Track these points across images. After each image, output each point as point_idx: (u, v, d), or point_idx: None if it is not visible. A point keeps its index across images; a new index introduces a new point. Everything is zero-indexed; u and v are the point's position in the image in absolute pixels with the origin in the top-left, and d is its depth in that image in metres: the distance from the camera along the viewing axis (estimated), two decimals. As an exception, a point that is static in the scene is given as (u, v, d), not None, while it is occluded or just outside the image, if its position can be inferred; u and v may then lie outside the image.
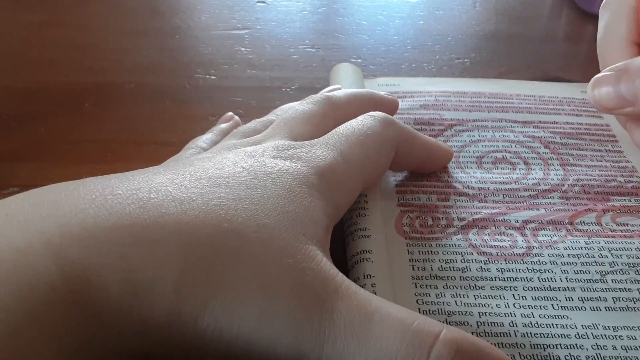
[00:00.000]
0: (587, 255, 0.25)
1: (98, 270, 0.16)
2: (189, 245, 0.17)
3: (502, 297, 0.23)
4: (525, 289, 0.23)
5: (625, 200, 0.28)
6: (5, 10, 0.49)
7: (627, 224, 0.27)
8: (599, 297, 0.23)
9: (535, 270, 0.24)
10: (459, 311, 0.23)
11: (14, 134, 0.35)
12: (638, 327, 0.22)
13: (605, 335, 0.22)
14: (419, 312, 0.21)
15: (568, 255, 0.25)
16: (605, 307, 0.23)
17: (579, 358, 0.21)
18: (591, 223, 0.27)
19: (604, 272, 0.24)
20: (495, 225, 0.26)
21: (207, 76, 0.41)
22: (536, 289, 0.23)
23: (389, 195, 0.28)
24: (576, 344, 0.21)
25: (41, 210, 0.17)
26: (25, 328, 0.14)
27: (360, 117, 0.25)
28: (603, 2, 0.29)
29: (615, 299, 0.23)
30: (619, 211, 0.27)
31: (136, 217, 0.17)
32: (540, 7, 0.50)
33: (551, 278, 0.24)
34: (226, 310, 0.17)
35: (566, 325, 0.22)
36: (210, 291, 0.17)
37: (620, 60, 0.27)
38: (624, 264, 0.25)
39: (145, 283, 0.16)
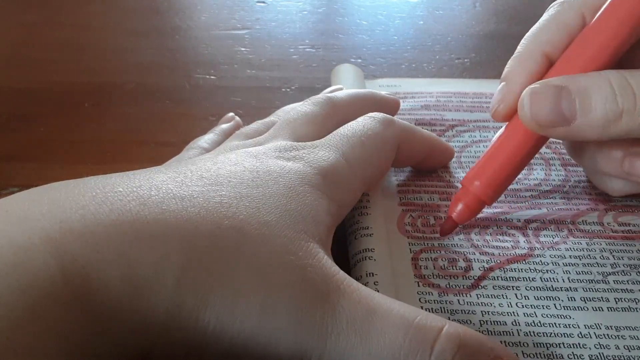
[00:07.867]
0: (588, 257, 0.25)
1: (98, 266, 0.16)
2: (190, 241, 0.17)
3: (504, 297, 0.23)
4: (527, 288, 0.23)
5: (627, 200, 0.28)
6: (5, 10, 0.49)
7: (629, 224, 0.27)
8: (601, 297, 0.23)
9: (537, 271, 0.24)
10: (461, 310, 0.22)
11: (14, 134, 0.35)
12: None
13: (607, 335, 0.22)
14: None
15: (570, 256, 0.25)
16: (607, 308, 0.23)
17: (582, 357, 0.21)
18: (593, 223, 0.27)
19: (605, 273, 0.24)
20: (497, 225, 0.26)
21: (207, 76, 0.41)
22: (538, 289, 0.23)
23: (390, 194, 0.28)
24: (579, 343, 0.21)
25: (41, 207, 0.16)
26: (25, 323, 0.14)
27: (360, 119, 0.25)
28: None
29: (617, 300, 0.23)
30: (621, 210, 0.27)
31: (137, 213, 0.17)
32: (540, 7, 0.50)
33: (553, 278, 0.24)
34: (227, 306, 0.17)
35: (569, 324, 0.22)
36: (211, 287, 0.17)
37: (524, 68, 0.25)
38: (625, 266, 0.24)
39: (146, 279, 0.16)
